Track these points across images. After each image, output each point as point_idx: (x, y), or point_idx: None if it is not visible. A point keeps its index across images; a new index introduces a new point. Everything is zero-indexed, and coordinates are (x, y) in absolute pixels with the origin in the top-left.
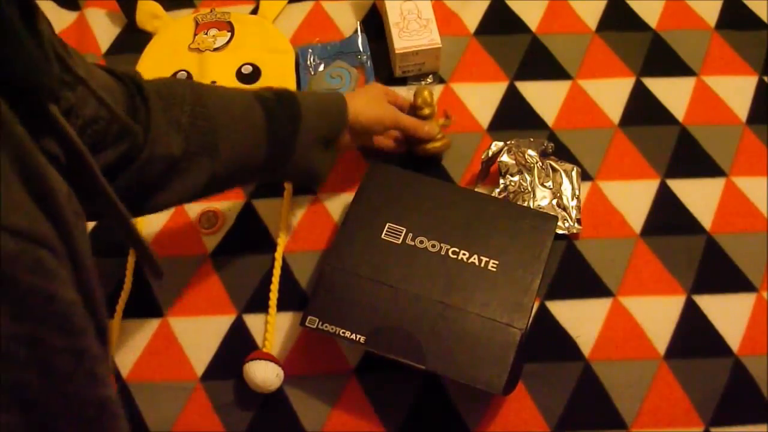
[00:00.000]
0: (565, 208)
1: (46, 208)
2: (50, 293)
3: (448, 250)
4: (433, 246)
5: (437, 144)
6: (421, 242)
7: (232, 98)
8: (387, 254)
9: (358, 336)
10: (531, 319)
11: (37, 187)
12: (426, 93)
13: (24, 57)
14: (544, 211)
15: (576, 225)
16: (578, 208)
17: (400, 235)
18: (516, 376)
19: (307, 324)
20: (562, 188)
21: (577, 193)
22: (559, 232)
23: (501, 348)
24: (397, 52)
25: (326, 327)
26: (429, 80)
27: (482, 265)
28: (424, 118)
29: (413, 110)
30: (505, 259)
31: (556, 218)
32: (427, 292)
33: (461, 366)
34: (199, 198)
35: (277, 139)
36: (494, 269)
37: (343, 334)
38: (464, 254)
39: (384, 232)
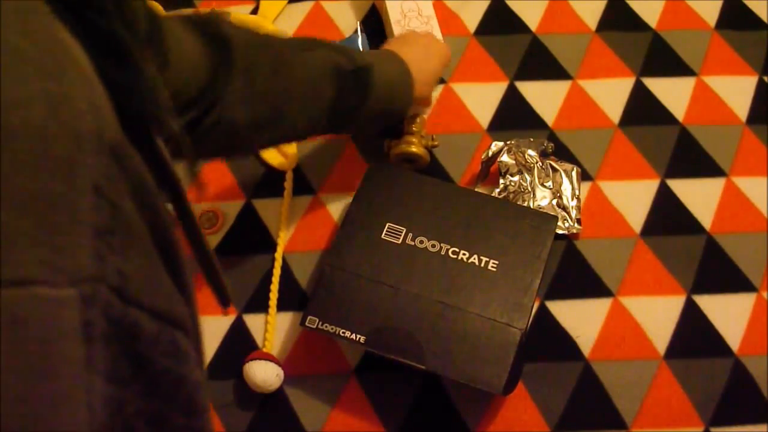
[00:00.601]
0: (565, 208)
1: (179, 282)
2: (181, 375)
3: (448, 250)
4: (433, 246)
5: (412, 148)
6: (421, 242)
7: (312, 70)
8: (387, 254)
9: (358, 336)
10: (531, 319)
11: (172, 259)
12: (419, 119)
13: (141, 86)
14: (544, 211)
15: (576, 225)
16: (578, 208)
17: (400, 235)
18: (516, 376)
19: (307, 324)
20: (562, 188)
21: (577, 193)
22: (559, 232)
23: (501, 348)
24: None
25: (326, 327)
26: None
27: (482, 265)
28: (411, 133)
29: (405, 127)
30: (505, 259)
31: (556, 218)
32: (427, 292)
33: (461, 366)
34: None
35: (338, 115)
36: (494, 269)
37: (343, 334)
38: (464, 254)
39: (384, 232)
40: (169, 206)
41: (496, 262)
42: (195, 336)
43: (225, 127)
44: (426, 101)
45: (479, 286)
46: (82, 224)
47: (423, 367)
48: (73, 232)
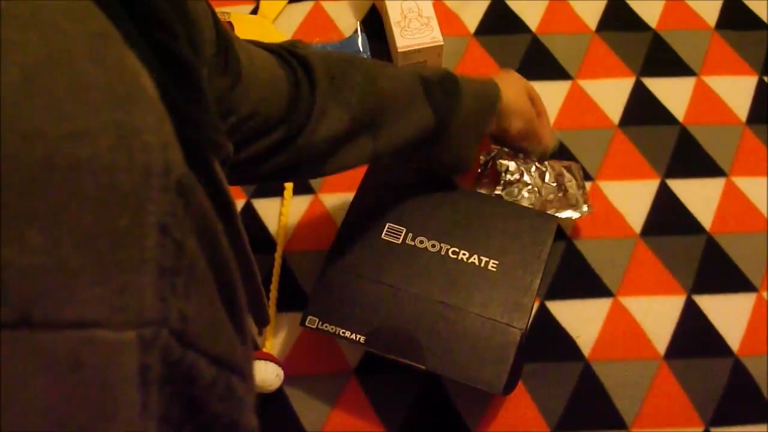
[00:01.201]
0: (573, 197)
1: (237, 323)
2: (234, 420)
3: (448, 250)
4: (433, 246)
5: None
6: (421, 242)
7: (401, 79)
8: (387, 254)
9: (358, 336)
10: (531, 319)
11: (232, 299)
12: None
13: (202, 110)
14: (553, 203)
15: (587, 208)
16: (586, 194)
17: (400, 235)
18: (516, 376)
19: (307, 324)
20: (565, 181)
21: (581, 183)
22: (575, 216)
23: (501, 348)
24: (399, 50)
25: (326, 327)
26: None
27: (482, 265)
28: None
29: None
30: (505, 259)
31: (556, 218)
32: (427, 292)
33: (461, 366)
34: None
35: (435, 120)
36: (494, 269)
37: (343, 334)
38: (464, 254)
39: (384, 232)
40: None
41: (496, 262)
42: (250, 379)
43: (320, 142)
44: (530, 133)
45: (479, 286)
46: (146, 264)
47: (423, 367)
48: (138, 272)
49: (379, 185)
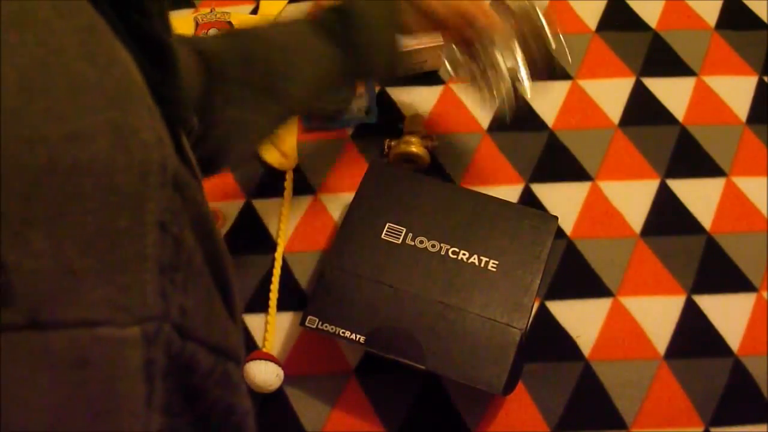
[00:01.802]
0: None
1: (231, 311)
2: (231, 404)
3: (448, 250)
4: (433, 246)
5: (411, 148)
6: (421, 242)
7: (288, 35)
8: (387, 254)
9: (358, 336)
10: (531, 319)
11: (225, 288)
12: (419, 119)
13: (179, 91)
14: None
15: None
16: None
17: (400, 235)
18: (516, 376)
19: (306, 324)
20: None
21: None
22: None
23: (501, 348)
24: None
25: (326, 327)
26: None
27: (482, 265)
28: (411, 133)
29: (405, 127)
30: (505, 259)
31: (556, 218)
32: (427, 292)
33: (461, 366)
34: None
35: (340, 52)
36: (494, 269)
37: (343, 334)
38: (464, 254)
39: (384, 232)
40: None
41: (496, 262)
42: (242, 363)
43: (222, 126)
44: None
45: (479, 286)
46: (147, 261)
47: (423, 367)
48: (139, 270)
49: (379, 185)
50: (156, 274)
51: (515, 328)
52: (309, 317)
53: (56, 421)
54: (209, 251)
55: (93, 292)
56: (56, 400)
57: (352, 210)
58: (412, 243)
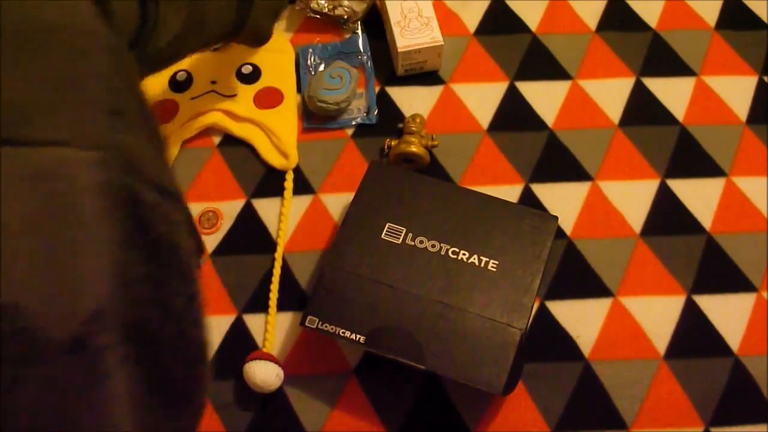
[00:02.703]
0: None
1: (167, 163)
2: (176, 242)
3: (448, 250)
4: (433, 246)
5: (411, 147)
6: (421, 242)
7: None
8: (387, 254)
9: (358, 336)
10: (531, 319)
11: (159, 140)
12: (419, 119)
13: None
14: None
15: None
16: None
17: (400, 235)
18: (516, 376)
19: (306, 324)
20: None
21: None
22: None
23: (501, 348)
24: (399, 50)
25: (326, 327)
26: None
27: (482, 265)
28: (411, 133)
29: (405, 127)
30: (505, 259)
31: (556, 218)
32: (426, 292)
33: (461, 366)
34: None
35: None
36: (494, 269)
37: (343, 334)
38: (464, 254)
39: (384, 232)
40: None
41: (496, 262)
42: (184, 209)
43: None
44: None
45: (479, 286)
46: (99, 103)
47: (423, 367)
48: (93, 107)
49: (378, 185)
50: (105, 113)
51: (515, 328)
52: (309, 317)
53: (27, 227)
54: (145, 108)
55: (56, 119)
56: (28, 208)
57: (351, 210)
58: (412, 243)
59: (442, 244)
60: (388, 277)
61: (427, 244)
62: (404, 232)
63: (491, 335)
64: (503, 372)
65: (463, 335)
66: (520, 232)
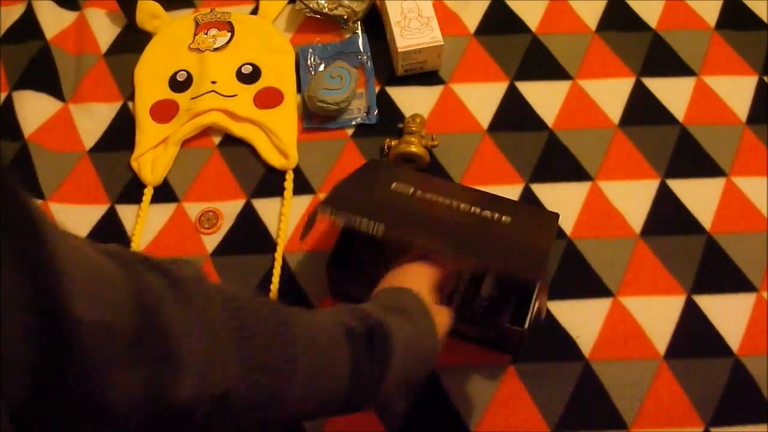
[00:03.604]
0: None
1: None
2: None
3: (459, 204)
4: (444, 200)
5: (411, 147)
6: (431, 197)
7: (317, 333)
8: (397, 200)
9: (377, 225)
10: (531, 318)
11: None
12: (419, 119)
13: None
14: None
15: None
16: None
17: (410, 190)
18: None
19: (318, 214)
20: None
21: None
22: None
23: (538, 239)
24: (399, 50)
25: (341, 217)
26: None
27: (495, 218)
28: (411, 133)
29: (405, 127)
30: (517, 221)
31: (557, 215)
32: (447, 211)
33: (494, 254)
34: None
35: (356, 391)
36: (507, 222)
37: (359, 224)
38: (476, 209)
39: (393, 186)
40: None
41: (509, 218)
42: None
43: (203, 399)
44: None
45: (495, 230)
46: None
47: (452, 254)
48: None
49: (380, 166)
50: None
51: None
52: (321, 209)
53: None
54: None
55: None
56: None
57: (354, 172)
58: (423, 195)
59: (452, 200)
60: (404, 199)
61: (438, 198)
62: (413, 189)
63: (522, 236)
64: (542, 262)
65: (494, 232)
66: (524, 222)
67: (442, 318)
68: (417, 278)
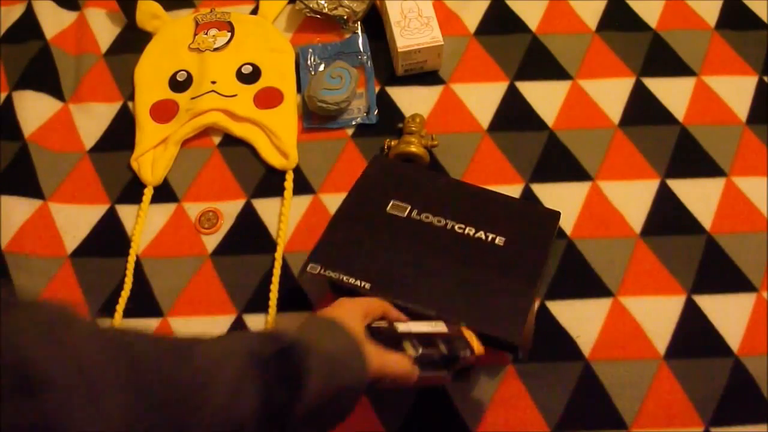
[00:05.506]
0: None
1: None
2: None
3: (453, 225)
4: (439, 221)
5: (411, 147)
6: (427, 217)
7: (221, 356)
8: (391, 225)
9: (363, 283)
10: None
11: None
12: (419, 119)
13: None
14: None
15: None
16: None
17: (405, 210)
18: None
19: (308, 270)
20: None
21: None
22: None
23: (517, 302)
24: (399, 50)
25: (329, 273)
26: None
27: (489, 240)
28: (411, 133)
29: (405, 127)
30: (512, 237)
31: (558, 213)
32: (433, 257)
33: (476, 315)
34: None
35: (268, 419)
36: (501, 244)
37: (347, 281)
38: (470, 230)
39: (389, 206)
40: None
41: (503, 238)
42: None
43: None
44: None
45: (487, 258)
46: None
47: (434, 313)
48: None
49: (382, 171)
50: None
51: (528, 288)
52: (311, 264)
53: None
54: None
55: None
56: None
57: (354, 189)
58: (418, 218)
59: (447, 220)
60: (394, 244)
61: (433, 219)
62: (409, 208)
63: (506, 289)
64: (520, 325)
65: (476, 288)
66: (525, 221)
67: (381, 354)
68: (347, 310)
